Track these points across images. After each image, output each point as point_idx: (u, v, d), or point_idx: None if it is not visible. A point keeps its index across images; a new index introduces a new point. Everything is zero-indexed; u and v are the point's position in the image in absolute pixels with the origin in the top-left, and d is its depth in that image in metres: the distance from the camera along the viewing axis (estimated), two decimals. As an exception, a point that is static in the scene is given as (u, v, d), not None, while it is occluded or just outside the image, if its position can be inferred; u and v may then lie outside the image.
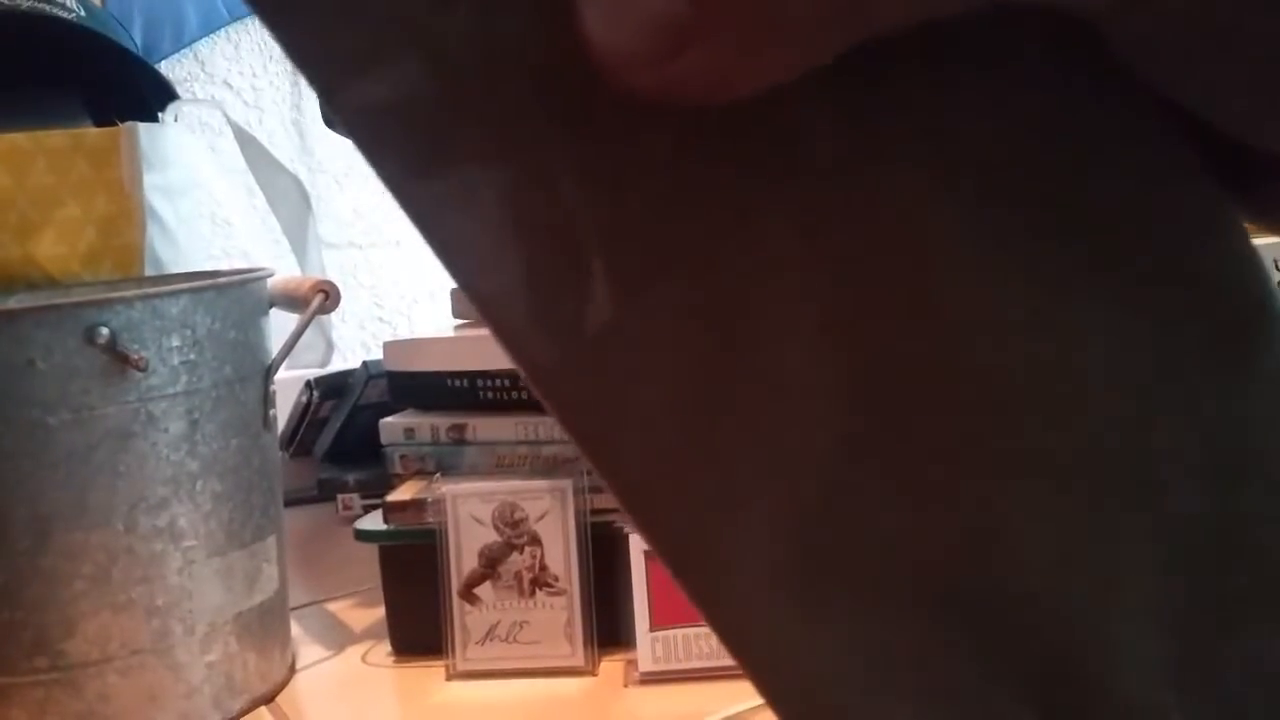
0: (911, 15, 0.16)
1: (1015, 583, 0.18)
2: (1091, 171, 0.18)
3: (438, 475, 0.83)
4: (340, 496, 1.22)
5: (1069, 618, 0.18)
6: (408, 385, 0.88)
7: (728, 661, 0.70)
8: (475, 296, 0.19)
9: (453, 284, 0.87)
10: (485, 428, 0.84)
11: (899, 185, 0.18)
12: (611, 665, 0.78)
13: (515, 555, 0.78)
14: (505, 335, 0.18)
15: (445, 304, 0.95)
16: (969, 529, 0.18)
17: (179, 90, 1.08)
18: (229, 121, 1.07)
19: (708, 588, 0.20)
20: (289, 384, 1.16)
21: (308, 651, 0.87)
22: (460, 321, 0.94)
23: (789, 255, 0.18)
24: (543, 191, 0.17)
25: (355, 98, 0.17)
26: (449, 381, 0.86)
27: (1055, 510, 0.18)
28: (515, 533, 0.78)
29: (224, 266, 1.23)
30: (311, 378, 1.24)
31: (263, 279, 0.81)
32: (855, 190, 0.18)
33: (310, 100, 1.49)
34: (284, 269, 0.91)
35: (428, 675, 0.80)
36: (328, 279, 0.81)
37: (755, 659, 0.19)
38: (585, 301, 0.18)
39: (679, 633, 0.75)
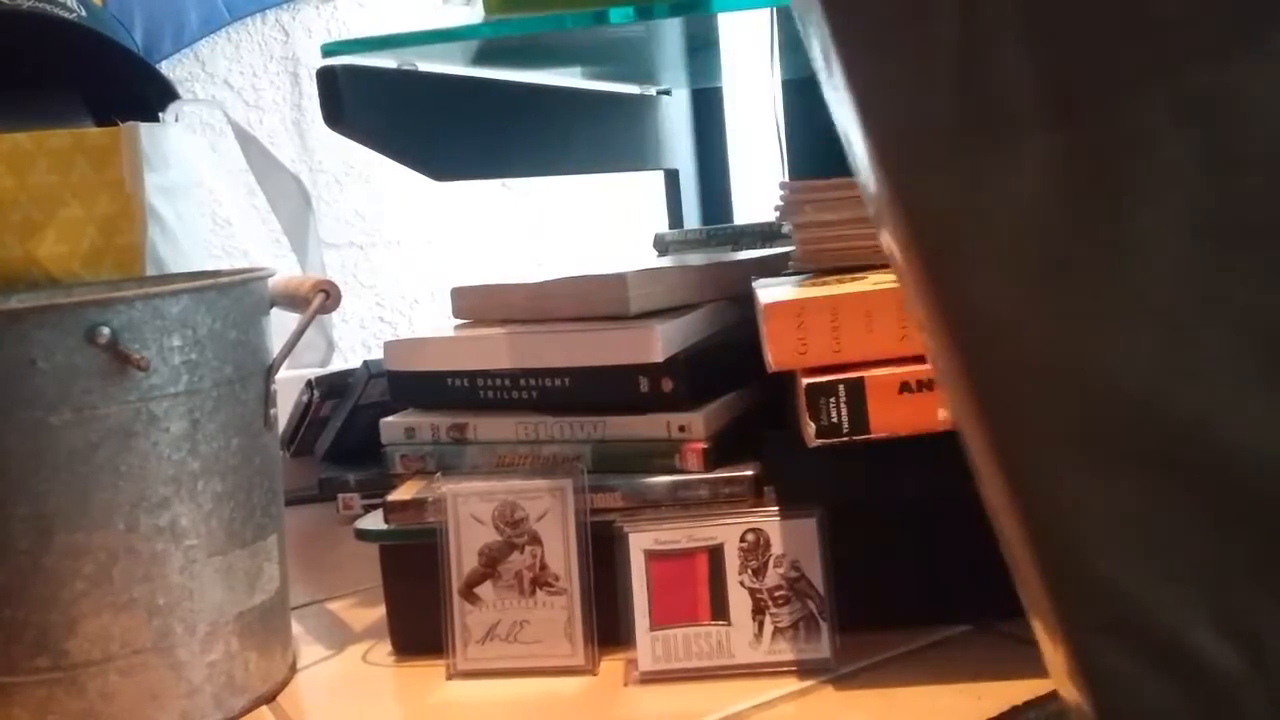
0: None
1: None
2: None
3: (438, 475, 0.84)
4: (341, 496, 1.22)
5: None
6: (408, 385, 0.88)
7: (727, 661, 0.70)
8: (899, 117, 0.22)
9: (453, 283, 0.86)
10: (485, 427, 0.84)
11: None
12: (611, 664, 0.78)
13: (515, 554, 0.79)
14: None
15: (446, 304, 0.95)
16: (1258, 417, 0.19)
17: (180, 90, 1.08)
18: (230, 121, 1.07)
19: (1004, 429, 0.22)
20: (290, 383, 1.16)
21: (309, 651, 0.88)
22: (460, 321, 0.94)
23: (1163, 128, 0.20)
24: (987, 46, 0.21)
25: None
26: (449, 381, 0.86)
27: None
28: (515, 532, 0.79)
29: (225, 266, 1.23)
30: (312, 377, 1.24)
31: (263, 279, 0.81)
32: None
33: (311, 100, 1.49)
34: (285, 269, 0.91)
35: (428, 674, 0.80)
36: (328, 279, 0.81)
37: (1035, 518, 0.21)
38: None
39: (679, 632, 0.75)
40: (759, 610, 0.75)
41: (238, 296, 0.77)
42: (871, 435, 0.68)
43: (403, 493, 0.82)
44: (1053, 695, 0.63)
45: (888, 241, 0.25)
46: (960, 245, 0.22)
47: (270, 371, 0.80)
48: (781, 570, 0.75)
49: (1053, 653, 0.23)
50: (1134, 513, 0.20)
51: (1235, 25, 0.19)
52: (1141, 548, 0.20)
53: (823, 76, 0.25)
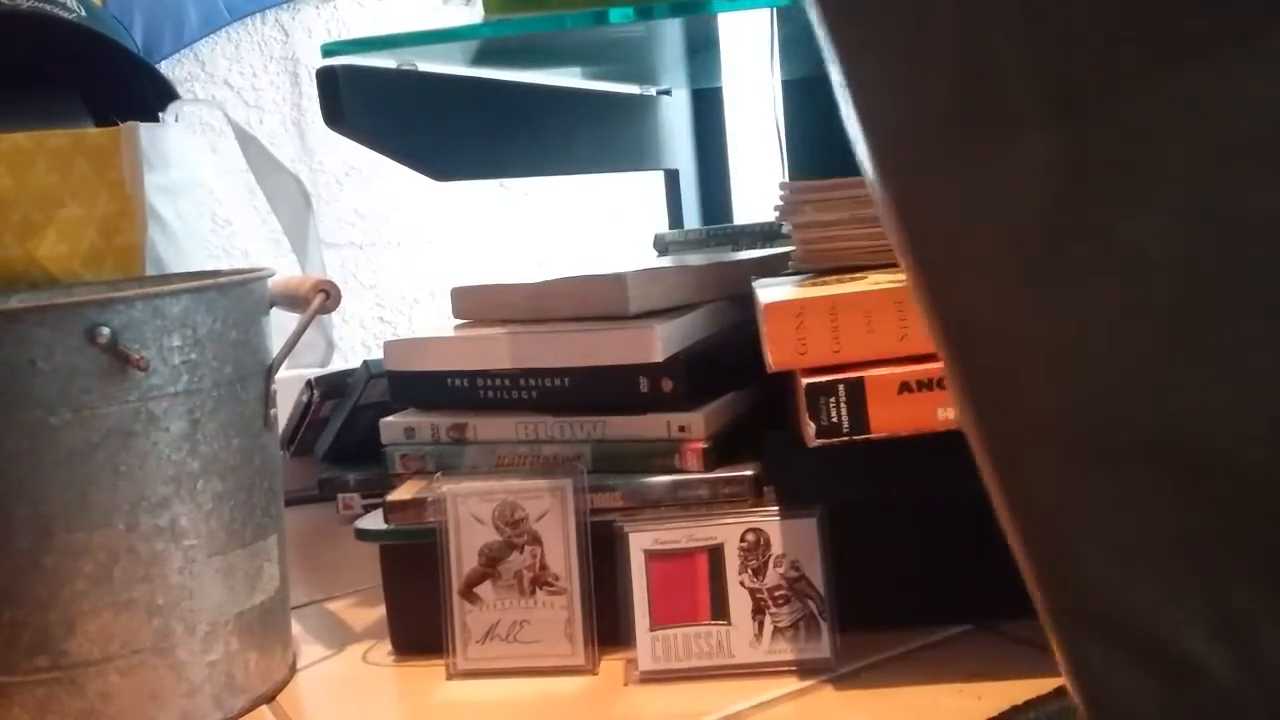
0: None
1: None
2: None
3: (438, 475, 0.84)
4: (341, 496, 1.22)
5: None
6: (408, 385, 0.88)
7: (727, 661, 0.70)
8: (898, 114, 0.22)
9: (453, 283, 0.86)
10: (485, 427, 0.84)
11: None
12: (611, 664, 0.78)
13: (515, 554, 0.79)
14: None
15: (446, 304, 0.95)
16: (1255, 416, 0.19)
17: (179, 90, 1.08)
18: (229, 121, 1.07)
19: (997, 431, 0.22)
20: (290, 383, 1.16)
21: (309, 650, 0.88)
22: (460, 321, 0.94)
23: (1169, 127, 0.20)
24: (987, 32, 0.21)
25: None
26: (449, 381, 0.86)
27: None
28: (515, 532, 0.79)
29: (224, 266, 1.23)
30: (312, 377, 1.24)
31: (263, 279, 0.81)
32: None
33: (311, 100, 1.49)
34: (284, 269, 0.91)
35: (428, 674, 0.80)
36: (328, 279, 0.81)
37: (1024, 514, 0.21)
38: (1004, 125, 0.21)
39: (679, 632, 0.75)
40: (759, 610, 0.75)
41: (238, 296, 0.77)
42: (871, 435, 0.68)
43: (403, 493, 0.82)
44: (1052, 695, 0.63)
45: (892, 241, 0.25)
46: (955, 245, 0.22)
47: (270, 371, 0.80)
48: (781, 570, 0.75)
49: (1055, 649, 0.23)
50: (1120, 511, 0.20)
51: (1232, 25, 0.19)
52: (1129, 547, 0.20)
53: (831, 78, 0.25)
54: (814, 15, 0.24)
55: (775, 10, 0.92)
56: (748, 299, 0.82)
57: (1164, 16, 0.19)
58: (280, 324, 0.82)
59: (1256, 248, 0.19)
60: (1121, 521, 0.20)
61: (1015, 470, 0.21)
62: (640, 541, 0.76)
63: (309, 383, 1.25)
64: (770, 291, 0.74)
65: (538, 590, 0.78)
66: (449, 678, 0.78)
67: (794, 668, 0.74)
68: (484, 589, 0.79)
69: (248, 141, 1.06)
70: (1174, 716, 0.20)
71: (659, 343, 0.79)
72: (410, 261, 1.61)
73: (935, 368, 0.67)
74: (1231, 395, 0.19)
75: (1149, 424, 0.20)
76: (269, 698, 0.80)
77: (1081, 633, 0.21)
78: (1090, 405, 0.20)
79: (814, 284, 0.75)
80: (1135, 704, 0.20)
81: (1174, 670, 0.20)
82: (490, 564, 0.79)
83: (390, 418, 0.88)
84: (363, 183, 1.57)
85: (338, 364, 1.17)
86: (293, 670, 0.84)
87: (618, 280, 0.84)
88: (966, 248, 0.21)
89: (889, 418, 0.67)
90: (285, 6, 1.51)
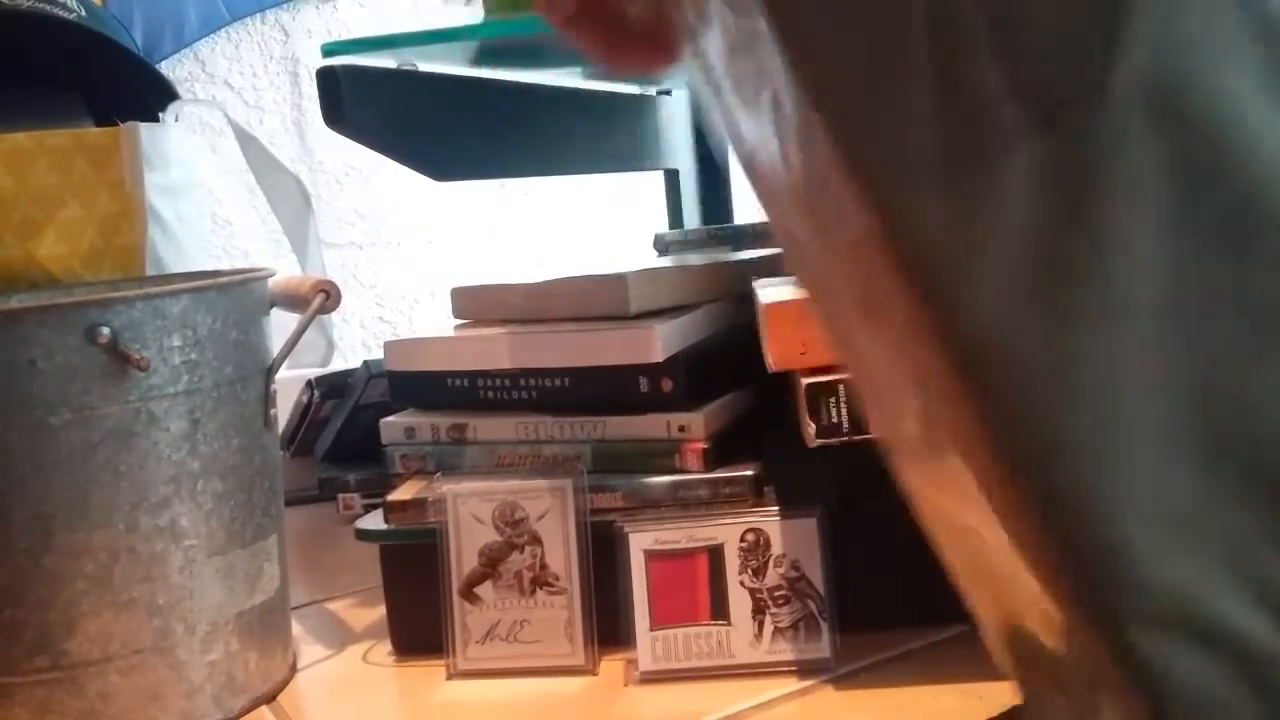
0: None
1: None
2: None
3: (438, 475, 0.84)
4: (341, 496, 1.22)
5: None
6: (408, 385, 0.88)
7: (727, 661, 0.70)
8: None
9: (453, 283, 0.86)
10: (485, 427, 0.84)
11: None
12: (611, 664, 0.78)
13: (516, 554, 0.79)
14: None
15: (446, 304, 0.95)
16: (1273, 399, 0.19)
17: (179, 90, 1.08)
18: (229, 121, 1.07)
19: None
20: (290, 383, 1.16)
21: (309, 650, 0.88)
22: (460, 321, 0.94)
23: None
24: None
25: None
26: (449, 381, 0.86)
27: None
28: (516, 532, 0.79)
29: (225, 266, 1.23)
30: (312, 377, 1.24)
31: (264, 279, 0.81)
32: None
33: (311, 100, 1.49)
34: (285, 269, 0.91)
35: (428, 674, 0.80)
36: (328, 279, 0.81)
37: (1070, 523, 0.21)
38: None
39: (679, 632, 0.75)
40: (759, 610, 0.75)
41: (238, 296, 0.77)
42: (872, 435, 0.68)
43: (403, 493, 0.82)
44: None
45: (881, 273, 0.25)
46: (962, 266, 0.22)
47: (270, 371, 0.80)
48: (781, 570, 0.75)
49: (1080, 664, 0.23)
50: (1171, 501, 0.20)
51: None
52: (1177, 533, 0.20)
53: (777, 125, 0.25)
54: (785, 64, 0.24)
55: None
56: (748, 299, 0.82)
57: (1128, 18, 0.20)
58: (280, 324, 0.82)
59: (1242, 239, 0.20)
60: (1170, 513, 0.20)
61: (1059, 480, 0.22)
62: (640, 541, 0.76)
63: (309, 383, 1.25)
64: (771, 292, 0.74)
65: (538, 590, 0.78)
66: (449, 678, 0.78)
67: (794, 668, 0.74)
68: (484, 589, 0.79)
69: (248, 141, 1.06)
70: (1246, 698, 0.20)
71: (659, 343, 0.79)
72: (410, 261, 1.61)
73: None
74: (1245, 377, 0.20)
75: (1177, 410, 0.20)
76: (269, 698, 0.80)
77: (1151, 635, 0.21)
78: (1125, 399, 0.21)
79: (814, 284, 0.75)
80: (1214, 694, 0.20)
81: (1235, 649, 0.20)
82: (490, 564, 0.79)
83: (390, 418, 0.88)
84: (363, 183, 1.57)
85: (338, 364, 1.18)
86: (293, 670, 0.84)
87: (618, 280, 0.84)
88: (971, 264, 0.22)
89: (889, 418, 0.67)
90: (285, 6, 1.51)
